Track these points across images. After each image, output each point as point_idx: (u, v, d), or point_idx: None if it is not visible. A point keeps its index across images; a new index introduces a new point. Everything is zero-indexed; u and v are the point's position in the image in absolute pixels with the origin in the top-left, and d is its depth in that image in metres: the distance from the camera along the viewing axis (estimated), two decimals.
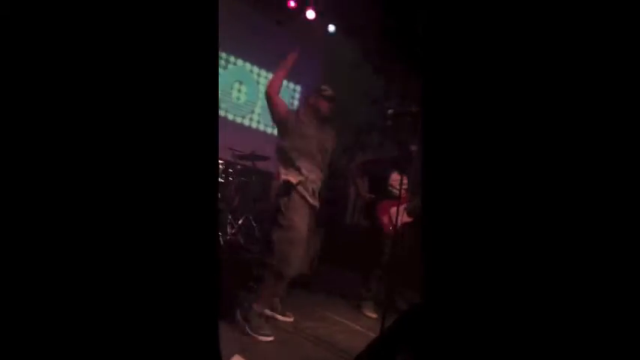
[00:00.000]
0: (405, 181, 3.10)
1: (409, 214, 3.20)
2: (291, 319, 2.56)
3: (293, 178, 2.23)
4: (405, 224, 3.16)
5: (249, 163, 4.40)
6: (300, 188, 2.25)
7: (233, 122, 5.42)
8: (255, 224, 4.20)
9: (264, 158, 4.29)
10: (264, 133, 5.68)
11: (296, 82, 5.95)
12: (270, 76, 5.57)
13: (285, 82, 5.73)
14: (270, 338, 2.15)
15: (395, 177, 3.21)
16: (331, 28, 5.49)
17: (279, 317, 2.52)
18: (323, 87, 2.46)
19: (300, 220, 2.23)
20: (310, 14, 5.22)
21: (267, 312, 2.34)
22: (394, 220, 2.99)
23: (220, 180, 3.94)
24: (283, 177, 2.25)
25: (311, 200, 2.29)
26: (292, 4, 5.22)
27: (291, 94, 5.95)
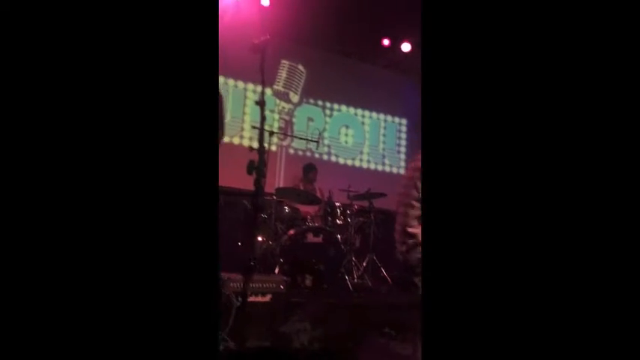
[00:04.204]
0: None
1: None
2: None
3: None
4: None
5: (366, 203, 4.39)
6: None
7: (345, 165, 5.52)
8: (380, 264, 4.12)
9: (381, 195, 4.25)
10: (376, 171, 5.68)
11: (401, 116, 5.91)
12: (374, 115, 5.64)
13: (390, 117, 5.76)
14: None
15: None
16: None
17: None
18: None
19: None
20: (406, 47, 5.22)
21: None
22: None
23: (339, 222, 3.96)
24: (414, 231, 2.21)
25: None
26: (386, 42, 5.29)
27: (397, 127, 5.91)
